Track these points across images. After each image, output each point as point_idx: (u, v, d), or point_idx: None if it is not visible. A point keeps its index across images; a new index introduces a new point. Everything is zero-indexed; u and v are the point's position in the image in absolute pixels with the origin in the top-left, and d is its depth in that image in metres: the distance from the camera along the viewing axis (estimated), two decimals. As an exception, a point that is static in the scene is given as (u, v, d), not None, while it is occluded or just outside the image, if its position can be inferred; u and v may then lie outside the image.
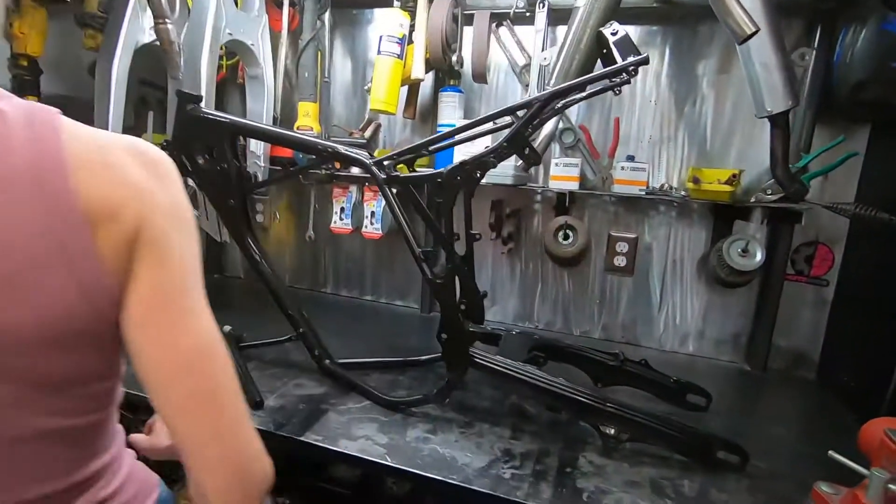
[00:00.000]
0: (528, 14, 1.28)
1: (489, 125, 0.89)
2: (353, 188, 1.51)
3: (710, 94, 1.28)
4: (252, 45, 1.36)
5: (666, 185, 1.29)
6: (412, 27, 1.29)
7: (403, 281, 1.62)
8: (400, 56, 1.27)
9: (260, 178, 1.45)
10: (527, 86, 1.33)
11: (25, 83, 1.58)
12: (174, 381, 0.45)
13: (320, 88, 1.46)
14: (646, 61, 0.77)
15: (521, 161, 0.83)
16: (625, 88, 0.81)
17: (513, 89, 1.42)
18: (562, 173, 1.28)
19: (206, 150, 1.05)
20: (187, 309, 0.46)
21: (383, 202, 1.47)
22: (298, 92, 1.43)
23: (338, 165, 1.47)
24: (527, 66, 1.34)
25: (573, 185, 1.28)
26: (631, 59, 0.77)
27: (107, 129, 1.37)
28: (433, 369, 1.15)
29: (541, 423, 0.95)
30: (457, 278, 0.93)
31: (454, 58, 1.26)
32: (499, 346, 1.00)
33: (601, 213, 1.38)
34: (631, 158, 1.27)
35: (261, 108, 1.43)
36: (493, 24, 1.35)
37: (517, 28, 1.35)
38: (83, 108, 1.35)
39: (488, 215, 1.41)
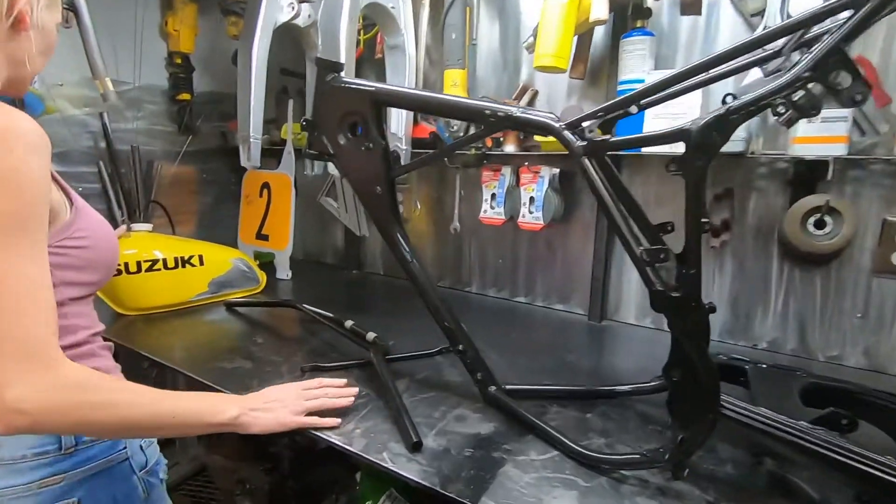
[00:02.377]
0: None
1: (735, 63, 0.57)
2: (507, 170, 1.26)
3: None
4: (393, 7, 1.18)
5: None
6: (588, -43, 1.00)
7: (565, 280, 1.34)
8: (574, -6, 0.98)
9: (402, 162, 1.28)
10: (755, 15, 0.96)
11: (180, 81, 1.59)
12: None
13: (468, 53, 1.23)
14: None
15: (837, 101, 0.49)
16: None
17: (735, 29, 1.04)
18: (816, 132, 0.89)
19: (348, 127, 0.87)
20: None
21: (545, 185, 1.20)
22: (444, 58, 1.22)
23: (488, 143, 1.24)
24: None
25: (836, 150, 0.88)
26: None
27: (248, 110, 1.29)
28: (630, 404, 0.86)
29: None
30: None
31: (651, -13, 0.94)
32: (749, 388, 0.68)
33: (869, 189, 0.96)
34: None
35: (401, 81, 1.25)
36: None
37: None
38: (234, 103, 1.29)
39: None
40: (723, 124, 0.53)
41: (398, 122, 1.25)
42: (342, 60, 1.06)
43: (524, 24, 1.26)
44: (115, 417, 0.55)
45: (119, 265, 1.10)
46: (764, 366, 0.73)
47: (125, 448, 0.65)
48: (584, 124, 0.65)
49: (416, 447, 0.73)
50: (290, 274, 1.60)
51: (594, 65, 1.18)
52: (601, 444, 0.75)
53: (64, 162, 1.37)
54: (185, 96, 1.60)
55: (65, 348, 0.57)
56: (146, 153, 1.54)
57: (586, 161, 0.64)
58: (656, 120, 0.98)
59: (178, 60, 1.56)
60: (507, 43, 1.30)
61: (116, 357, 0.74)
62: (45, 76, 1.28)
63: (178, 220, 1.63)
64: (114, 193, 1.45)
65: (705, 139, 0.54)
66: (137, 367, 1.03)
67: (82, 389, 0.53)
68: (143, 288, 1.21)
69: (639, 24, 1.06)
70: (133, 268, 1.18)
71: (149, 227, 1.32)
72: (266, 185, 1.63)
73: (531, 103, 1.26)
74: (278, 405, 0.72)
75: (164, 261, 1.23)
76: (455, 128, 1.25)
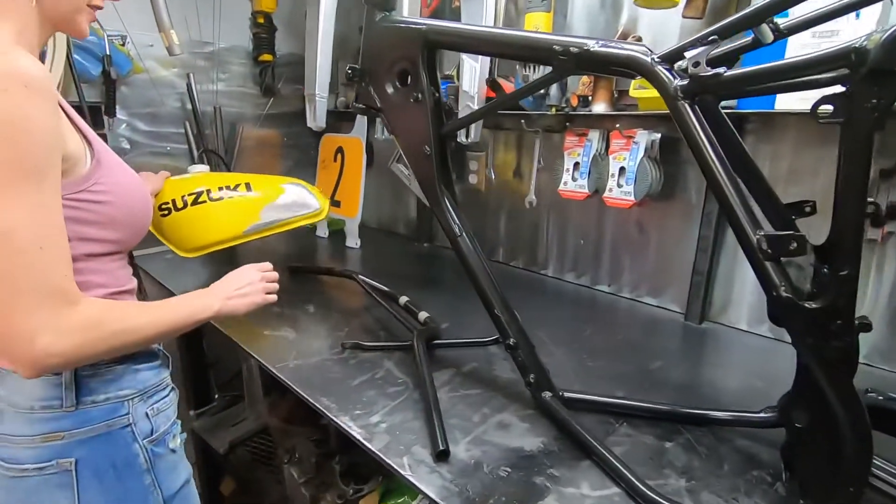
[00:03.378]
0: None
1: None
2: (595, 135, 1.06)
3: None
4: (469, -59, 1.02)
5: None
6: None
7: (659, 269, 1.12)
8: None
9: (472, 129, 1.14)
10: None
11: (262, 41, 1.57)
12: None
13: (556, -6, 1.04)
14: None
15: None
16: None
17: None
18: None
19: (397, 75, 0.75)
20: None
21: (639, 153, 0.99)
22: (527, 0, 1.04)
23: (573, 101, 1.04)
24: None
25: None
26: None
27: (315, 66, 1.22)
28: (728, 437, 0.66)
29: None
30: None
31: None
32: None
33: None
34: None
35: (477, 31, 1.09)
36: None
37: None
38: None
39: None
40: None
41: (470, 78, 1.10)
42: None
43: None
44: (131, 341, 0.59)
45: (168, 204, 1.08)
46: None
47: (127, 414, 0.62)
48: (688, 54, 0.46)
49: (441, 456, 0.61)
50: (358, 243, 1.55)
51: (717, 1, 0.93)
52: (680, 488, 0.57)
53: (153, 122, 1.42)
54: (267, 57, 1.58)
55: None
56: (229, 115, 1.56)
57: (685, 105, 0.46)
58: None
59: (261, 20, 1.54)
60: (607, -18, 1.08)
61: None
62: (134, 37, 1.32)
63: (257, 182, 1.64)
64: (197, 155, 1.48)
65: (888, 61, 0.33)
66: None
67: (101, 324, 0.55)
68: (193, 225, 1.12)
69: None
70: (179, 204, 1.10)
71: (205, 167, 1.28)
72: (340, 150, 1.58)
73: (631, 53, 1.04)
74: (250, 288, 0.73)
75: (208, 191, 1.11)
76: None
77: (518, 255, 1.39)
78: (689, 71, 0.45)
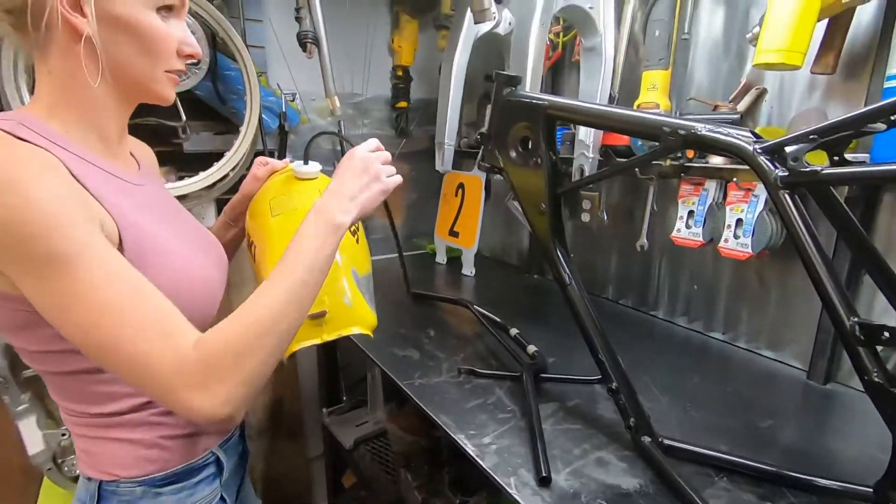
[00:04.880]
0: None
1: None
2: (711, 185, 1.08)
3: None
4: (591, 8, 1.11)
5: None
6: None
7: (780, 322, 1.08)
8: (823, -31, 0.77)
9: (586, 172, 1.21)
10: None
11: (399, 91, 1.81)
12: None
13: (675, 50, 1.08)
14: None
15: None
16: None
17: None
18: None
19: (519, 141, 0.87)
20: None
21: (759, 206, 0.99)
22: (644, 58, 1.09)
23: (689, 154, 1.07)
24: None
25: None
26: None
27: (445, 118, 1.39)
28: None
29: None
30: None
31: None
32: None
33: None
34: None
35: (595, 86, 1.17)
36: None
37: None
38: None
39: None
40: None
41: (587, 130, 1.18)
42: (529, 70, 1.05)
43: (756, 7, 1.04)
44: (278, 327, 0.52)
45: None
46: None
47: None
48: (789, 149, 0.51)
49: (544, 482, 0.70)
50: (473, 271, 1.69)
51: (852, 54, 0.91)
52: (777, 549, 0.59)
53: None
54: (403, 104, 1.80)
55: (102, 416, 0.58)
56: (369, 154, 1.81)
57: (784, 195, 0.50)
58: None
59: (400, 73, 1.77)
60: (731, 33, 1.09)
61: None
62: (301, 93, 1.61)
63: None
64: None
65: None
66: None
67: (226, 348, 0.49)
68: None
69: (931, -5, 0.77)
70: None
71: (316, 169, 0.86)
72: (461, 186, 1.74)
73: (755, 105, 1.04)
74: (369, 179, 0.66)
75: (254, 248, 0.84)
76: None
77: (627, 293, 1.41)
78: (788, 165, 0.50)
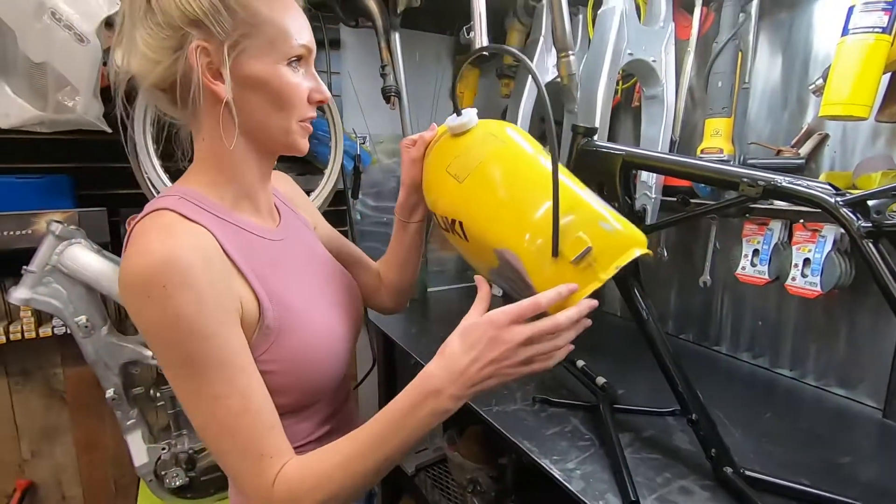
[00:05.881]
0: None
1: None
2: (776, 225, 1.12)
3: None
4: (653, 60, 1.20)
5: None
6: (912, -19, 0.83)
7: (851, 360, 1.10)
8: (886, 30, 0.83)
9: (649, 213, 1.27)
10: None
11: (459, 133, 1.94)
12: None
13: (737, 99, 1.15)
14: None
15: None
16: None
17: None
18: None
19: (596, 187, 0.94)
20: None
21: (827, 247, 1.03)
22: (707, 106, 1.16)
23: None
24: None
25: None
26: None
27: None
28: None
29: None
30: None
31: None
32: None
33: None
34: None
35: (657, 132, 1.25)
36: None
37: None
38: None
39: None
40: None
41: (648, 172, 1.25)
42: (597, 120, 1.14)
43: (814, 58, 1.10)
44: (354, 496, 0.55)
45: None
46: None
47: None
48: (872, 203, 0.57)
49: (632, 505, 0.74)
50: (530, 303, 1.75)
51: (917, 103, 0.95)
52: (869, 579, 0.62)
53: (377, 198, 1.83)
54: (462, 145, 1.92)
55: None
56: (430, 191, 1.92)
57: (868, 244, 0.56)
58: None
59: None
60: (791, 80, 1.15)
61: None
62: (373, 136, 1.74)
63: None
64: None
65: None
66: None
67: (316, 492, 0.53)
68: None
69: None
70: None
71: (472, 115, 0.71)
72: (518, 221, 1.82)
73: (817, 150, 1.09)
74: (494, 381, 0.55)
75: (436, 216, 0.73)
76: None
77: (688, 328, 1.44)
78: (872, 217, 0.56)
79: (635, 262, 0.90)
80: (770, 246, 1.12)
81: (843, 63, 0.87)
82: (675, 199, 1.25)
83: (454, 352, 0.55)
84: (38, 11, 1.01)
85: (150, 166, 1.21)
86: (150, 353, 1.21)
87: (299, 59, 0.60)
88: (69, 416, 1.46)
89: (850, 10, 0.86)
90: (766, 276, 1.13)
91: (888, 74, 0.92)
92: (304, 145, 0.64)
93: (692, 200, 1.20)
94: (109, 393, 1.20)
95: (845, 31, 0.87)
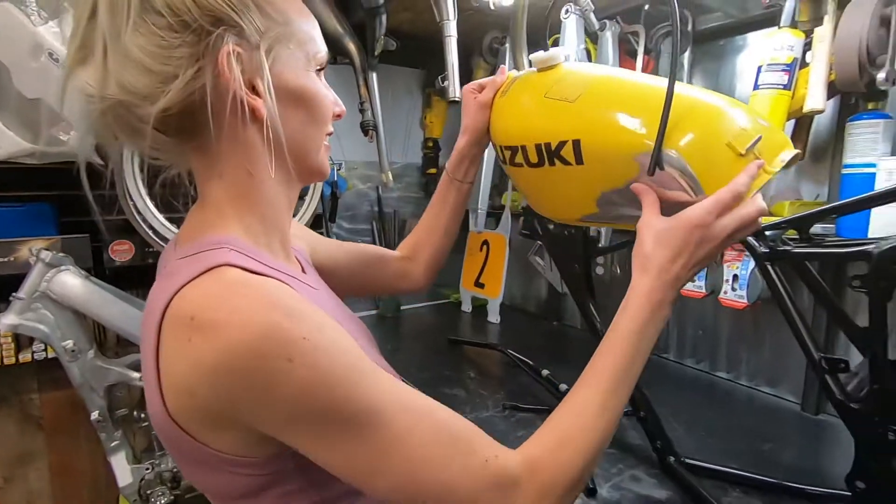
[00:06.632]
0: None
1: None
2: (710, 245, 1.29)
3: None
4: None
5: None
6: (806, 47, 1.01)
7: (774, 362, 1.27)
8: (787, 87, 1.01)
9: (602, 236, 1.42)
10: None
11: (429, 160, 2.06)
12: None
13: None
14: None
15: None
16: None
17: None
18: None
19: (555, 215, 1.08)
20: None
21: (751, 264, 1.19)
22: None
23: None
24: None
25: None
26: None
27: (479, 186, 1.61)
28: (828, 510, 0.82)
29: None
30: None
31: (881, 74, 0.91)
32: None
33: None
34: None
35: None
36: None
37: None
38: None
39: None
40: (906, 253, 0.55)
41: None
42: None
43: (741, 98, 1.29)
44: (591, 446, 0.49)
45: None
46: None
47: None
48: (768, 233, 0.72)
49: (590, 493, 0.86)
50: (499, 319, 1.87)
51: (817, 144, 1.14)
52: (780, 541, 0.75)
53: (352, 221, 1.92)
54: (432, 170, 2.04)
55: None
56: (402, 214, 2.03)
57: (767, 265, 0.71)
58: (888, 210, 0.92)
59: (430, 144, 2.02)
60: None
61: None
62: (348, 162, 1.84)
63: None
64: (380, 246, 1.95)
65: (883, 267, 0.57)
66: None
67: (543, 460, 0.47)
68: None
69: (870, 106, 1.01)
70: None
71: (560, 52, 0.69)
72: (486, 242, 1.95)
73: (741, 180, 1.26)
74: (701, 268, 0.55)
75: (525, 151, 0.68)
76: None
77: (640, 338, 1.59)
78: (768, 244, 0.70)
79: (588, 277, 1.03)
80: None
81: (763, 115, 1.04)
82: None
83: (662, 263, 0.53)
84: (36, 51, 1.07)
85: (137, 192, 1.27)
86: (136, 374, 1.25)
87: (322, 67, 0.54)
88: (44, 440, 1.47)
89: (759, 69, 1.04)
90: (703, 290, 1.29)
91: (792, 120, 1.11)
92: (328, 166, 0.57)
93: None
94: (95, 415, 1.23)
95: (756, 87, 1.04)
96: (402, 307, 2.04)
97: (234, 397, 0.39)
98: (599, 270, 1.68)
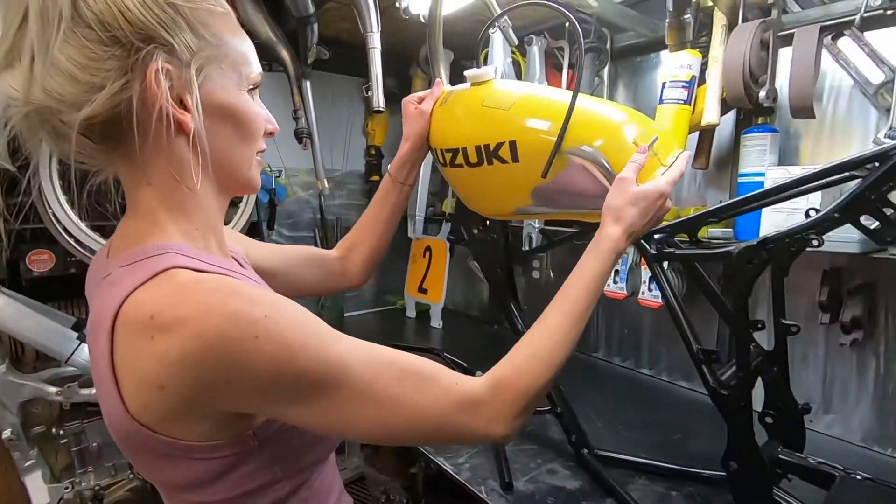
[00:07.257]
0: (888, 13, 0.92)
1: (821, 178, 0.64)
2: (630, 249, 1.37)
3: None
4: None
5: None
6: (704, 65, 1.10)
7: (688, 358, 1.35)
8: (687, 102, 1.09)
9: (533, 240, 1.48)
10: (888, 111, 0.95)
11: (372, 167, 2.07)
12: None
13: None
14: None
15: (872, 239, 0.56)
16: None
17: (863, 115, 1.03)
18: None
19: (481, 221, 1.12)
20: None
21: (630, 259, 1.28)
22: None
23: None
24: (888, 84, 0.96)
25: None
26: None
27: (416, 193, 1.63)
28: (720, 491, 0.89)
29: None
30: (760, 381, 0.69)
31: (762, 93, 1.00)
32: (828, 495, 0.69)
33: None
34: None
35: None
36: (828, 37, 1.02)
37: (869, 35, 0.98)
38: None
39: (818, 291, 1.04)
40: (757, 252, 0.62)
41: (532, 204, 1.46)
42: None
43: (656, 116, 1.38)
44: (559, 356, 0.57)
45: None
46: (859, 477, 0.72)
47: None
48: (656, 236, 0.78)
49: (507, 487, 0.90)
50: (441, 323, 1.90)
51: (720, 154, 1.24)
52: (675, 521, 0.81)
53: (292, 229, 1.91)
54: (375, 178, 2.06)
55: None
56: (345, 222, 2.03)
57: (655, 266, 0.77)
58: (774, 214, 1.01)
59: (373, 152, 2.04)
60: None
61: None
62: (288, 170, 1.83)
63: (362, 272, 2.08)
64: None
65: (742, 264, 0.63)
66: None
67: (513, 377, 0.54)
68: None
69: (759, 120, 1.10)
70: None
71: (491, 69, 0.81)
72: (428, 248, 1.98)
73: (657, 188, 1.35)
74: (658, 213, 0.65)
75: (465, 153, 0.78)
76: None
77: (573, 339, 1.66)
78: (655, 246, 0.77)
79: (510, 279, 1.08)
80: (626, 266, 1.36)
81: (661, 124, 1.12)
82: (553, 229, 1.47)
83: (633, 218, 0.63)
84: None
85: (55, 200, 1.22)
86: (52, 389, 1.20)
87: (255, 86, 0.56)
88: (-48, 464, 1.38)
89: (664, 84, 1.12)
90: (625, 292, 1.36)
91: (696, 133, 1.20)
92: (259, 180, 0.59)
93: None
94: (6, 433, 1.17)
95: (661, 101, 1.12)
96: (347, 314, 2.04)
97: (208, 383, 0.42)
98: (535, 274, 1.74)
